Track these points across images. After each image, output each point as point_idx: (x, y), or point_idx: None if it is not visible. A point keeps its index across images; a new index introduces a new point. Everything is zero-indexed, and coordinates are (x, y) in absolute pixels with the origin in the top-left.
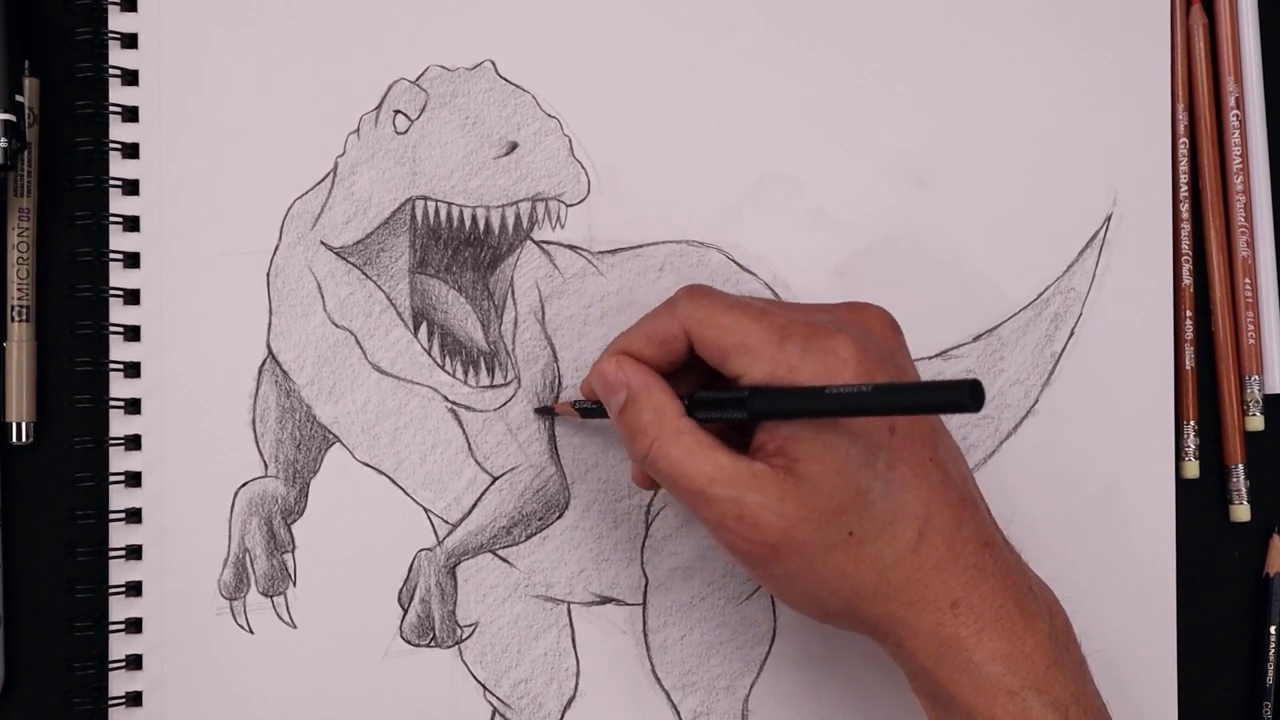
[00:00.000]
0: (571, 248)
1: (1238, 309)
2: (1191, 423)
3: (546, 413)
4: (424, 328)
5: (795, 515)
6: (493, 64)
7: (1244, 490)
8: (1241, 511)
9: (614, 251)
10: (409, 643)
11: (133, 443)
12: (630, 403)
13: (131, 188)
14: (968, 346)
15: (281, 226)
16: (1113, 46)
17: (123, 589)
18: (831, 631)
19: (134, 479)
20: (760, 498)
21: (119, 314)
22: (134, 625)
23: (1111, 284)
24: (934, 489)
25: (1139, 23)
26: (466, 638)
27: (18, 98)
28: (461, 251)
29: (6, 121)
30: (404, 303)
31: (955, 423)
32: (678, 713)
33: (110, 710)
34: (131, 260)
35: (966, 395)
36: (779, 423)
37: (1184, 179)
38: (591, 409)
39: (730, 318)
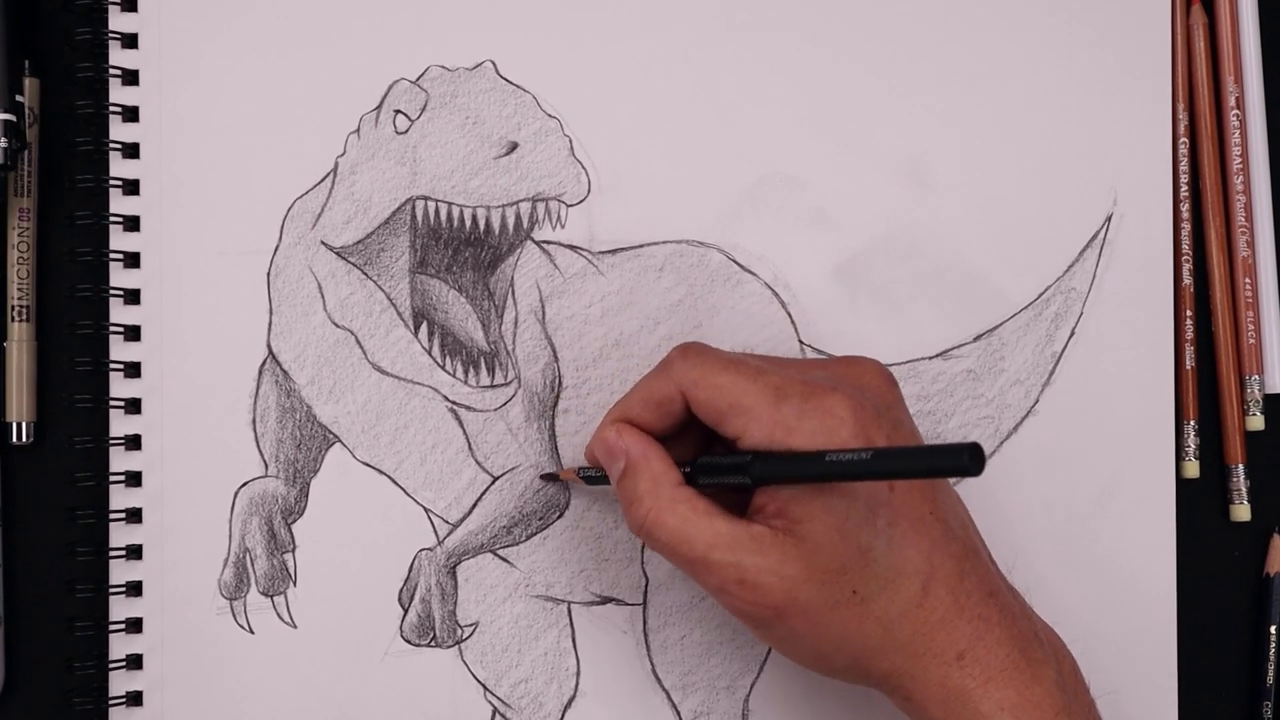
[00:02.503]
0: (572, 248)
1: (1238, 309)
2: (1191, 422)
3: (552, 479)
4: (424, 328)
5: (798, 577)
6: (493, 64)
7: (1244, 490)
8: (1241, 511)
9: (614, 251)
10: (409, 643)
11: (133, 443)
12: (629, 471)
13: (131, 188)
14: (968, 346)
15: (282, 226)
16: (1113, 46)
17: (123, 589)
18: None
19: (134, 479)
20: (761, 561)
21: (119, 314)
22: (134, 625)
23: (1111, 284)
24: (935, 543)
25: (1139, 23)
26: (467, 638)
27: (18, 98)
28: (462, 251)
29: (6, 121)
30: (404, 303)
31: (955, 422)
32: (678, 713)
33: (110, 710)
34: (131, 260)
35: (966, 459)
36: (779, 486)
37: (1184, 179)
38: (596, 476)
39: (725, 378)
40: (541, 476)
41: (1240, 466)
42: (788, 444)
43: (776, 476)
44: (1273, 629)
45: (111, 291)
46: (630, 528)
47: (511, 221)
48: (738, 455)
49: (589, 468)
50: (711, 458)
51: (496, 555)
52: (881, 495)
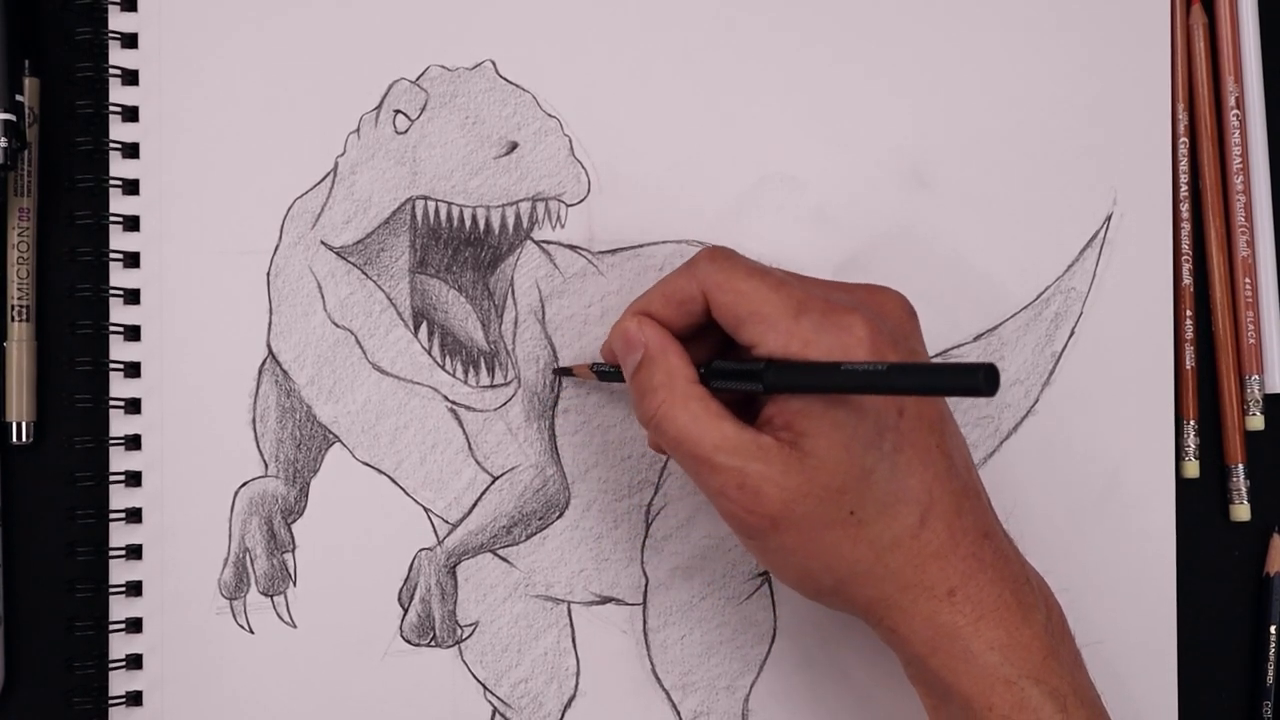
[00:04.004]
0: (571, 247)
1: (1238, 309)
2: (1191, 422)
3: (565, 373)
4: (424, 327)
5: (797, 490)
6: (493, 64)
7: (1244, 490)
8: (1241, 511)
9: (614, 251)
10: (409, 642)
11: (133, 443)
12: (645, 363)
13: (131, 188)
14: (968, 346)
15: (282, 226)
16: (1113, 46)
17: (123, 589)
18: (832, 632)
19: (134, 479)
20: (763, 469)
21: (119, 314)
22: (134, 625)
23: (1111, 284)
24: (938, 475)
25: (1139, 23)
26: (466, 637)
27: (18, 98)
28: (462, 251)
29: (6, 121)
30: (404, 302)
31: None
32: (678, 712)
33: (110, 710)
34: (131, 260)
35: (981, 379)
36: (790, 396)
37: (1184, 179)
38: (609, 372)
39: (749, 284)
40: (555, 370)
41: (1240, 466)
42: (802, 357)
43: (790, 385)
44: (1273, 629)
45: (111, 291)
46: (640, 420)
47: (511, 221)
48: (752, 361)
49: (603, 363)
50: (726, 362)
51: (496, 555)
52: (890, 420)
